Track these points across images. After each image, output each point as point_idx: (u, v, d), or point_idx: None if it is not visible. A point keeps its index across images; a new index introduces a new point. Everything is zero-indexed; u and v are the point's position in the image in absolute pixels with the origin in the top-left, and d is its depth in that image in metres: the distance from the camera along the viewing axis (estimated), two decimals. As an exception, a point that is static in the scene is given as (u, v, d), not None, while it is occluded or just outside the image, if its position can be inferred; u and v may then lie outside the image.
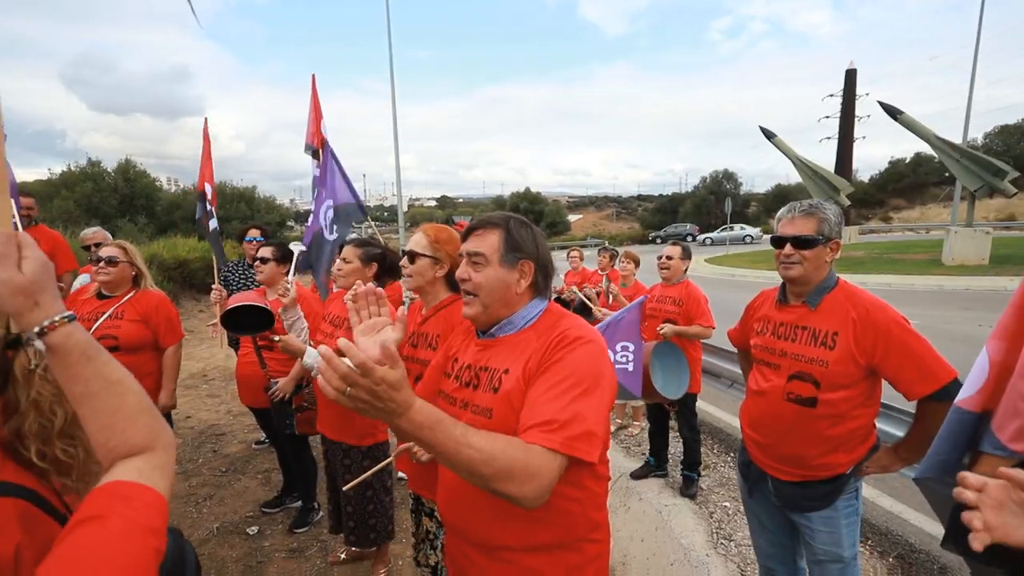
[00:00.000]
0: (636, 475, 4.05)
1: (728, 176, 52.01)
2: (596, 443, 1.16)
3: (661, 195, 70.13)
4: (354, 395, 0.93)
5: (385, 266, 2.65)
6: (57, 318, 0.80)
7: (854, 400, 1.83)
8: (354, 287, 1.28)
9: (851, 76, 34.36)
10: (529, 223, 1.44)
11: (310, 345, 2.72)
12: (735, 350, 2.55)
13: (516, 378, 1.26)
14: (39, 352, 0.83)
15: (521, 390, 1.24)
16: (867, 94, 36.30)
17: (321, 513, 3.52)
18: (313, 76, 4.23)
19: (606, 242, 39.19)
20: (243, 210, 24.81)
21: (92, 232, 4.42)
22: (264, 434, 4.53)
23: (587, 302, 4.81)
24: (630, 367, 3.12)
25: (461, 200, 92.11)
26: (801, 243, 1.88)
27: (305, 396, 3.13)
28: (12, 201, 4.67)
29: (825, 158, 32.03)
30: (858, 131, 35.64)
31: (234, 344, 4.25)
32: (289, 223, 31.37)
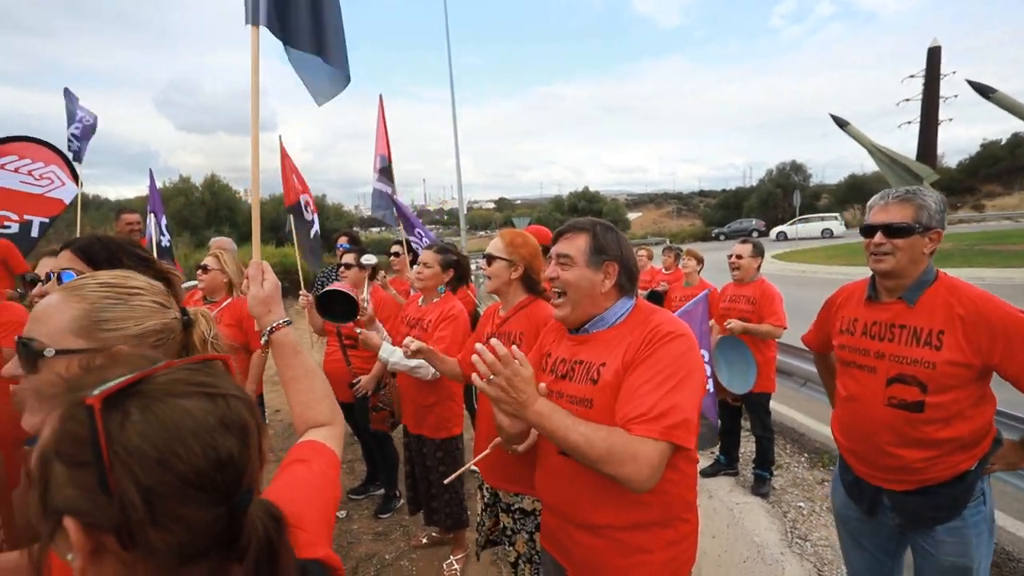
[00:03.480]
0: (706, 473, 4.03)
1: (796, 168, 49.53)
2: (692, 430, 1.28)
3: (724, 190, 67.64)
4: (495, 383, 1.21)
5: (460, 272, 2.82)
6: (280, 322, 1.16)
7: (966, 401, 1.66)
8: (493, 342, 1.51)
9: (934, 54, 31.72)
10: (613, 227, 1.56)
11: (387, 338, 2.93)
12: (805, 348, 2.46)
13: (615, 371, 1.38)
14: (267, 342, 1.17)
15: (620, 382, 1.36)
16: (953, 72, 33.40)
17: (402, 500, 3.75)
18: (380, 96, 4.48)
19: (668, 240, 38.32)
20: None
21: (215, 240, 4.89)
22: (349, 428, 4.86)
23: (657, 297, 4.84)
24: (709, 385, 3.03)
25: (519, 201, 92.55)
26: (894, 231, 1.70)
27: (381, 397, 3.36)
28: (153, 216, 5.14)
29: (906, 144, 29.85)
30: (943, 113, 32.94)
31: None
32: (356, 228, 32.74)
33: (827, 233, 31.98)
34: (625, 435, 1.24)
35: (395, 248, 4.72)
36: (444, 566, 3.05)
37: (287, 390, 1.12)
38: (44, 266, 1.84)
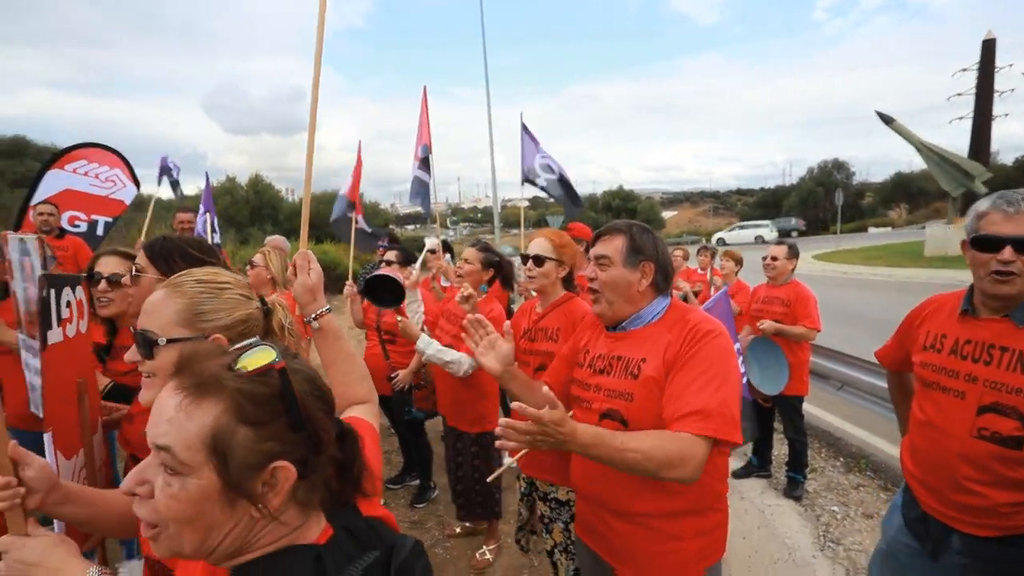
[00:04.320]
0: (738, 474, 4.04)
1: (838, 165, 48.00)
2: (738, 426, 1.35)
3: (762, 188, 65.97)
4: (534, 440, 1.23)
5: (500, 272, 2.93)
6: (324, 309, 1.25)
7: None
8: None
9: (989, 47, 30.18)
10: (649, 229, 1.63)
11: (425, 331, 3.06)
12: (843, 350, 2.38)
13: (655, 366, 1.45)
14: (315, 328, 1.26)
15: (661, 376, 1.43)
16: (1010, 66, 31.60)
17: (437, 491, 3.90)
18: (424, 88, 4.63)
19: (704, 239, 37.62)
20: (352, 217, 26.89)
21: (270, 239, 5.16)
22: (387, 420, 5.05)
23: (689, 298, 4.85)
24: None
25: (553, 200, 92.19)
26: None
27: (422, 375, 3.50)
28: (208, 215, 5.48)
29: (957, 141, 28.45)
30: (998, 108, 31.23)
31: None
32: (391, 226, 33.37)
33: (759, 240, 33.00)
34: (677, 438, 1.30)
35: (431, 246, 4.87)
36: (477, 555, 3.17)
37: (328, 372, 1.22)
38: (105, 265, 2.01)
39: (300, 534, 0.74)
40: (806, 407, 4.06)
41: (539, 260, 2.23)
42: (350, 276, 4.55)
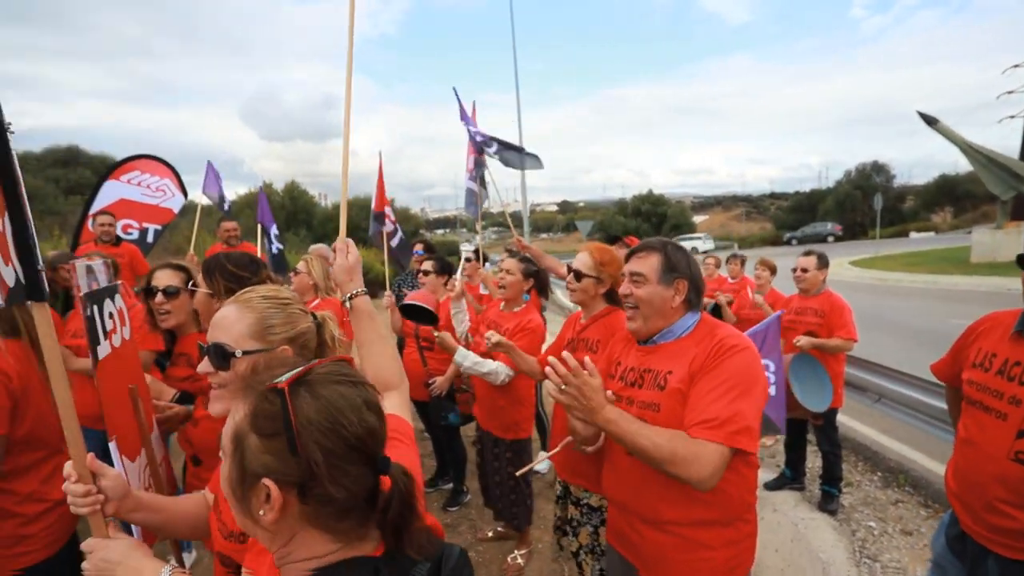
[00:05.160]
0: (770, 486, 4.00)
1: (878, 168, 46.44)
2: (755, 436, 1.40)
3: (797, 192, 64.35)
4: (567, 391, 1.36)
5: (540, 282, 3.00)
6: (359, 290, 1.35)
7: None
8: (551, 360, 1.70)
9: (1043, 43, 28.76)
10: (683, 247, 1.70)
11: (468, 337, 3.16)
12: (880, 361, 2.34)
13: (680, 378, 1.51)
14: (347, 307, 1.36)
15: (686, 387, 1.49)
16: (1065, 61, 30.09)
17: (469, 495, 3.98)
18: (473, 103, 4.80)
19: (736, 245, 36.92)
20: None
21: (314, 248, 5.36)
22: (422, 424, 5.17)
23: (722, 307, 4.82)
24: (772, 390, 2.93)
25: (582, 204, 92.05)
26: None
27: (464, 380, 3.60)
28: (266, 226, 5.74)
29: (1007, 141, 27.26)
30: (1054, 106, 29.75)
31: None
32: (422, 231, 33.84)
33: (694, 251, 31.99)
34: (687, 439, 1.38)
35: (467, 254, 4.98)
36: (508, 560, 3.23)
37: (362, 353, 1.31)
38: (159, 278, 2.14)
39: (355, 548, 0.79)
40: (841, 419, 4.00)
41: (578, 275, 2.29)
42: (387, 285, 4.69)
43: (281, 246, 6.58)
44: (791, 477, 4.04)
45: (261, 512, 0.76)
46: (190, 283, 2.04)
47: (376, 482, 0.79)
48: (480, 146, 4.72)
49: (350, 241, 1.41)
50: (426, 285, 3.73)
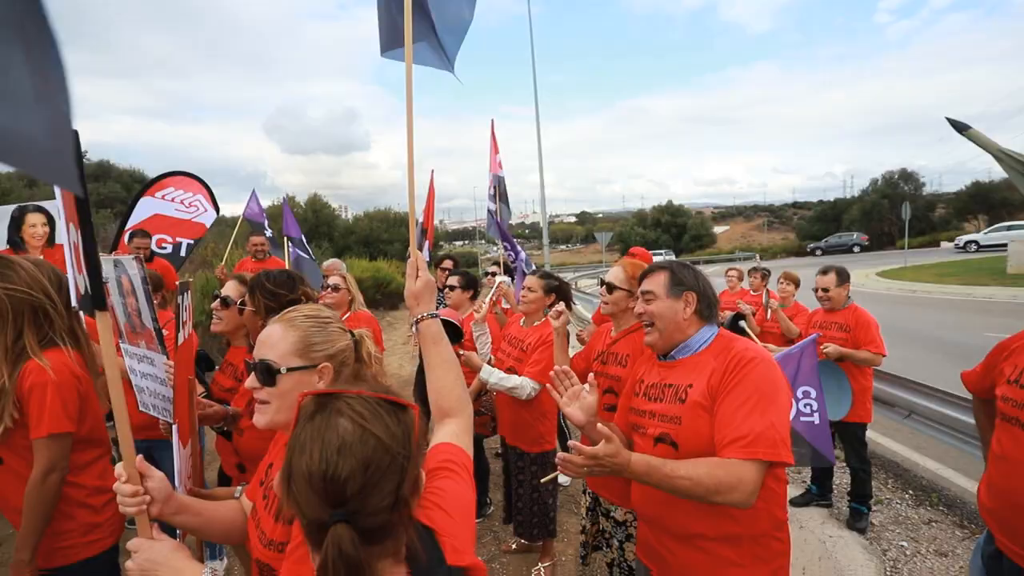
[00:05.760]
0: (796, 502, 3.94)
1: (906, 176, 45.29)
2: (788, 445, 1.41)
3: (820, 201, 63.23)
4: (594, 472, 1.37)
5: (561, 296, 3.03)
6: (426, 314, 1.29)
7: None
8: (554, 370, 1.74)
9: (1079, 46, 27.91)
10: (689, 264, 1.77)
11: (492, 357, 3.20)
12: (910, 376, 2.33)
13: (700, 391, 1.54)
14: (414, 330, 1.35)
15: (707, 401, 1.52)
16: (1104, 65, 28.92)
17: (492, 507, 4.00)
18: (492, 121, 4.89)
19: (758, 256, 36.37)
20: (403, 234, 27.68)
21: (329, 263, 5.50)
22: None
23: (746, 317, 4.73)
24: (816, 419, 2.82)
25: (601, 215, 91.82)
26: None
27: (482, 403, 3.63)
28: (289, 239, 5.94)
29: (1041, 148, 26.30)
30: (1092, 111, 28.60)
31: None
32: (440, 243, 34.13)
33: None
34: (726, 463, 1.38)
35: (491, 268, 5.07)
36: (532, 572, 3.23)
37: (427, 376, 1.28)
38: (227, 288, 2.27)
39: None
40: (870, 435, 3.93)
41: (610, 288, 2.33)
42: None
43: (310, 256, 6.70)
44: (818, 493, 3.97)
45: None
46: (241, 300, 2.15)
47: (320, 529, 0.76)
48: (496, 182, 4.92)
49: (421, 263, 1.41)
50: (451, 299, 3.79)
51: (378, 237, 28.28)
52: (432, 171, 5.88)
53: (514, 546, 3.51)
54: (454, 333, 3.21)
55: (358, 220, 30.54)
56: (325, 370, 1.25)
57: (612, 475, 1.38)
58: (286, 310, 1.33)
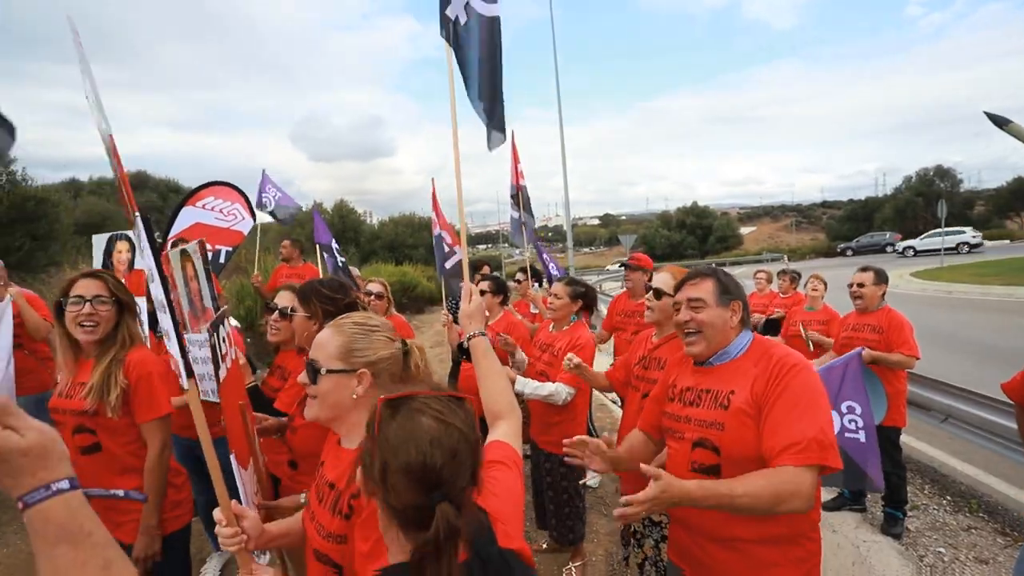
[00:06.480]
0: (828, 506, 3.90)
1: (942, 173, 43.85)
2: (836, 449, 1.43)
3: (851, 200, 61.58)
4: (652, 510, 1.36)
5: (588, 301, 3.10)
6: (477, 332, 1.50)
7: None
8: (566, 442, 1.74)
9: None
10: (728, 272, 1.78)
11: (525, 359, 3.27)
12: (947, 379, 2.26)
13: (744, 398, 1.55)
14: (466, 349, 1.53)
15: (751, 409, 1.53)
16: None
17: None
18: (512, 132, 4.96)
19: (785, 257, 35.65)
20: (428, 239, 28.02)
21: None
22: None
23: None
24: (861, 436, 2.74)
25: (624, 217, 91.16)
26: None
27: None
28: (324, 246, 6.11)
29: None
30: None
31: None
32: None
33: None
34: (782, 472, 1.38)
35: (519, 275, 5.15)
36: (563, 572, 3.28)
37: (479, 385, 1.45)
38: (280, 298, 2.37)
39: (400, 555, 0.93)
40: (905, 439, 3.87)
41: (658, 294, 2.34)
42: (444, 304, 4.89)
43: (344, 259, 6.84)
44: (850, 498, 3.93)
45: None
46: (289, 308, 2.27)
47: (428, 506, 0.87)
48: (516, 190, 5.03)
49: (474, 288, 1.58)
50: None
51: (403, 242, 28.63)
52: (433, 179, 5.92)
53: (544, 545, 3.57)
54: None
55: (383, 225, 30.99)
56: (363, 376, 1.33)
57: (673, 506, 1.38)
58: (342, 316, 1.42)
